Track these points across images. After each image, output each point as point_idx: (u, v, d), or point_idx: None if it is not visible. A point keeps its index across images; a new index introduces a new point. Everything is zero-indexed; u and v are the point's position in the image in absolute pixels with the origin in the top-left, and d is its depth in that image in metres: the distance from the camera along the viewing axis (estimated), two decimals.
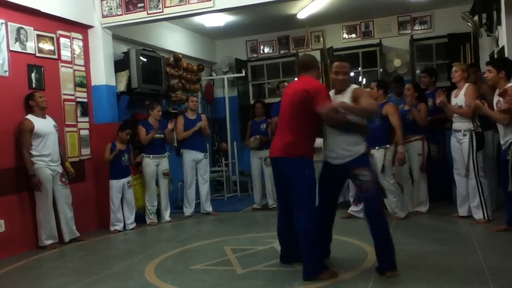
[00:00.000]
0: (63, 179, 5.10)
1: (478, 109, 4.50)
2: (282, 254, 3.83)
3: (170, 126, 6.12)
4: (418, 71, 7.88)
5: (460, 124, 4.89)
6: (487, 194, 4.82)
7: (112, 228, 5.69)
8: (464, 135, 4.84)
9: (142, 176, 6.13)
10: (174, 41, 7.81)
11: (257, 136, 6.48)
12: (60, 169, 5.07)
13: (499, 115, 4.28)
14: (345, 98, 3.45)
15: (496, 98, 4.38)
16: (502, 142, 4.34)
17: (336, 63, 3.53)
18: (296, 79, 4.19)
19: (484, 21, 6.16)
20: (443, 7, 7.72)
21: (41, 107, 4.94)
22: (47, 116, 5.04)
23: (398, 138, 5.23)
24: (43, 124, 4.92)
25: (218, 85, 9.13)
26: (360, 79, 8.84)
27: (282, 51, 8.91)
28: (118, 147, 5.68)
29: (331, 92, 3.66)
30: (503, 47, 5.43)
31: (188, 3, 5.67)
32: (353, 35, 8.49)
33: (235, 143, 8.33)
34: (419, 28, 8.11)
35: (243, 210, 6.81)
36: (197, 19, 7.30)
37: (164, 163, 6.15)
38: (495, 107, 4.38)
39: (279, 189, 3.70)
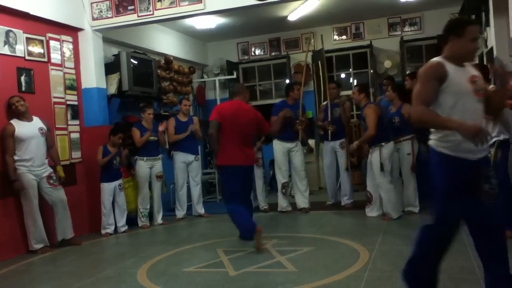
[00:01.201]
0: (51, 181, 4.97)
1: None
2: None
3: (161, 128, 6.10)
4: (408, 72, 7.93)
5: None
6: None
7: (103, 231, 5.65)
8: None
9: (133, 179, 6.11)
10: (165, 43, 7.79)
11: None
12: (46, 173, 4.93)
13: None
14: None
15: None
16: None
17: None
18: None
19: None
20: (432, 9, 7.79)
21: (19, 111, 4.77)
22: (35, 118, 4.95)
23: (363, 137, 5.41)
24: (25, 128, 4.80)
25: (210, 87, 9.13)
26: (351, 80, 8.89)
27: (273, 53, 8.93)
28: (112, 151, 5.66)
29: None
30: (492, 48, 5.49)
31: (179, 5, 5.67)
32: (344, 37, 8.54)
33: None
34: (409, 30, 8.18)
35: None
36: (188, 21, 7.30)
37: (158, 166, 6.13)
38: None
39: (243, 188, 4.69)
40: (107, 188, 5.64)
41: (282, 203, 6.27)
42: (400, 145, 5.50)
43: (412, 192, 5.54)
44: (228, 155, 4.62)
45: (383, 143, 5.29)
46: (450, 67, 2.45)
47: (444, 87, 2.43)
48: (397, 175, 5.59)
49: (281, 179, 6.28)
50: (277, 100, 7.34)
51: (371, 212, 5.55)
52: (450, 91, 2.43)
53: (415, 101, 2.48)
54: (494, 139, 4.24)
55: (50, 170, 5.02)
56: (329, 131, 6.25)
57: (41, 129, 4.94)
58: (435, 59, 2.54)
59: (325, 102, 6.55)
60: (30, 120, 4.90)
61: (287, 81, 8.71)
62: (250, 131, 4.79)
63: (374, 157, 5.33)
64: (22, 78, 5.13)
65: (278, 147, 6.27)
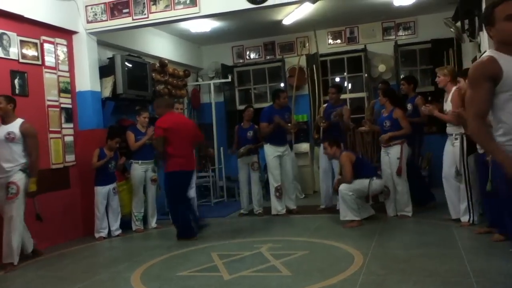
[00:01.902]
0: (8, 193, 4.40)
1: (460, 117, 4.53)
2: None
3: (150, 131, 6.02)
4: (402, 76, 7.97)
5: (451, 128, 4.91)
6: (476, 199, 4.85)
7: (97, 235, 5.62)
8: (456, 138, 4.88)
9: (128, 182, 6.08)
10: (160, 46, 7.79)
11: (244, 148, 6.45)
12: (5, 181, 4.42)
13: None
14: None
15: None
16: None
17: None
18: None
19: (466, 27, 6.27)
20: (426, 13, 7.83)
21: None
22: (17, 122, 4.52)
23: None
24: None
25: (205, 90, 9.12)
26: (345, 84, 8.91)
27: (268, 57, 8.95)
28: (107, 154, 5.63)
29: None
30: (485, 52, 5.51)
31: (174, 9, 5.67)
32: (338, 41, 8.57)
33: (221, 148, 8.31)
34: (403, 34, 8.22)
35: (230, 215, 6.79)
36: (183, 25, 7.30)
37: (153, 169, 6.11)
38: None
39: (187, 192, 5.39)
40: (101, 192, 5.61)
41: (276, 206, 6.28)
42: (390, 149, 5.50)
43: (405, 196, 5.52)
44: (177, 162, 5.13)
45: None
46: (504, 60, 2.07)
47: (499, 87, 2.06)
48: (391, 179, 5.59)
49: (273, 183, 6.30)
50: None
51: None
52: (507, 89, 2.05)
53: (468, 111, 2.15)
54: None
55: (15, 179, 4.44)
56: (321, 128, 6.24)
57: (9, 134, 4.45)
58: (486, 53, 2.19)
59: (325, 104, 6.56)
60: (8, 123, 4.51)
61: (282, 84, 8.73)
62: (192, 139, 5.39)
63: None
64: (16, 81, 5.10)
65: (270, 151, 6.29)
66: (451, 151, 4.95)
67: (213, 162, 8.42)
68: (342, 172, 5.48)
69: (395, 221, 5.46)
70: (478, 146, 4.34)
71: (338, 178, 5.68)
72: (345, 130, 6.32)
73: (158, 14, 5.75)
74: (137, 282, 3.76)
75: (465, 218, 4.89)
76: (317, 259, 4.06)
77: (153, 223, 6.14)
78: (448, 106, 4.89)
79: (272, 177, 6.30)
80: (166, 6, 5.69)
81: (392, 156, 5.50)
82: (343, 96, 8.75)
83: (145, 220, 6.12)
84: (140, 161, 5.98)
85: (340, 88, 6.58)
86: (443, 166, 5.10)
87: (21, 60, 5.19)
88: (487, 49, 5.25)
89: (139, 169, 5.98)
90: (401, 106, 5.58)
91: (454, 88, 4.87)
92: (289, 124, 6.26)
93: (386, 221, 5.45)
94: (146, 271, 4.07)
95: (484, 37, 5.45)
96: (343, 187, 5.34)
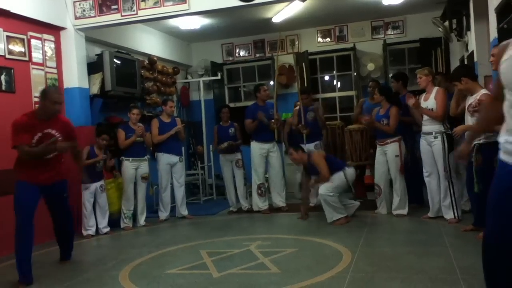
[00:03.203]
0: None
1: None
2: None
3: (139, 129, 5.97)
4: (391, 75, 8.02)
5: (430, 127, 4.98)
6: (458, 195, 4.94)
7: (85, 233, 5.58)
8: (436, 137, 4.94)
9: (116, 180, 6.04)
10: (149, 43, 7.74)
11: (226, 143, 6.47)
12: None
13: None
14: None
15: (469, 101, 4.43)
16: None
17: None
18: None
19: (454, 26, 6.33)
20: (415, 13, 7.89)
21: None
22: None
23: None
24: None
25: (194, 88, 9.09)
26: (334, 82, 8.95)
27: (257, 55, 8.95)
28: (97, 153, 5.59)
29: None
30: (472, 52, 5.59)
31: (163, 6, 5.64)
32: (328, 39, 8.59)
33: (211, 146, 8.28)
34: (392, 33, 8.27)
35: (219, 213, 6.79)
36: (173, 22, 7.27)
37: (144, 167, 6.07)
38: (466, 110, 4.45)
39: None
40: (88, 189, 5.57)
41: (258, 202, 6.34)
42: (387, 147, 5.49)
43: (402, 194, 5.50)
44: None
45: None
46: None
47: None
48: (388, 177, 5.60)
49: (256, 180, 6.35)
50: None
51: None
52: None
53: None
54: (474, 142, 4.24)
55: None
56: (304, 134, 6.30)
57: None
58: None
59: (297, 107, 6.61)
60: None
61: (271, 82, 8.73)
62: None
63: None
64: (2, 77, 5.04)
65: (256, 148, 6.33)
66: (430, 151, 5.02)
67: (202, 160, 8.41)
68: (319, 171, 5.45)
69: (383, 218, 5.50)
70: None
71: (314, 179, 5.62)
72: (322, 126, 6.47)
73: (147, 11, 5.71)
74: (125, 280, 3.74)
75: (449, 215, 4.96)
76: (305, 257, 4.08)
77: (142, 220, 6.11)
78: (430, 104, 4.95)
79: (256, 175, 6.34)
80: (156, 3, 5.65)
81: (390, 155, 5.48)
82: (332, 95, 8.84)
83: (134, 218, 6.09)
84: (131, 158, 5.95)
85: (309, 91, 6.74)
86: (424, 165, 5.15)
87: (7, 56, 5.12)
88: (474, 49, 5.34)
89: (130, 167, 5.94)
90: (397, 104, 5.55)
91: (436, 88, 4.97)
92: (272, 120, 6.30)
93: (374, 219, 5.49)
94: (134, 269, 4.05)
95: (471, 37, 5.51)
96: (322, 190, 5.36)
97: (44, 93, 4.01)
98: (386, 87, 5.89)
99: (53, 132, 3.99)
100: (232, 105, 8.47)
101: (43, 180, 4.01)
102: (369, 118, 5.63)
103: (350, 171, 5.51)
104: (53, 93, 4.00)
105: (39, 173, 3.97)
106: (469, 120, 4.36)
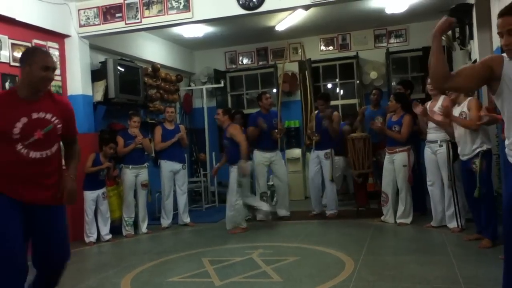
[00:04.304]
0: None
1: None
2: None
3: (136, 135, 6.00)
4: (394, 83, 8.03)
5: (436, 135, 4.96)
6: (462, 204, 4.91)
7: (87, 240, 5.58)
8: (441, 145, 4.92)
9: (118, 187, 6.05)
10: (153, 51, 7.78)
11: None
12: None
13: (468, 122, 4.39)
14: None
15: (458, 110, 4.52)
16: (465, 151, 4.38)
17: None
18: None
19: (457, 35, 6.33)
20: (418, 21, 7.90)
21: None
22: None
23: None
24: None
25: (197, 95, 9.12)
26: (337, 90, 8.96)
27: (260, 63, 8.97)
28: (102, 161, 5.61)
29: None
30: (475, 61, 5.58)
31: (167, 14, 5.67)
32: (331, 47, 8.61)
33: (213, 153, 8.30)
34: (395, 41, 8.29)
35: (221, 221, 6.76)
36: (176, 30, 7.30)
37: (144, 174, 6.08)
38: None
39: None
40: (90, 196, 5.57)
41: (262, 206, 6.26)
42: (396, 156, 5.42)
43: (407, 204, 5.45)
44: None
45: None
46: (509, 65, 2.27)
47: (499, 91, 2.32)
48: (395, 186, 5.53)
49: (259, 189, 6.32)
50: None
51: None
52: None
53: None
54: (478, 150, 4.30)
55: None
56: (313, 141, 6.27)
57: None
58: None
59: (316, 111, 6.56)
60: None
61: (274, 90, 8.75)
62: None
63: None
64: (7, 84, 5.06)
65: (259, 157, 6.29)
66: (434, 159, 5.00)
67: (204, 167, 8.42)
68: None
69: (385, 227, 5.48)
70: (465, 152, 4.39)
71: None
72: (333, 134, 6.26)
73: (151, 19, 5.75)
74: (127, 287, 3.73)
75: (452, 224, 4.93)
76: (308, 265, 4.06)
77: (143, 228, 6.10)
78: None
79: (258, 185, 6.32)
80: (159, 11, 5.69)
81: (397, 164, 5.41)
82: (335, 103, 8.81)
83: (135, 225, 6.09)
84: (130, 166, 5.95)
85: (327, 98, 6.45)
86: (427, 174, 5.13)
87: (12, 63, 5.15)
88: (477, 58, 5.34)
89: (130, 174, 5.95)
90: (412, 113, 5.36)
91: (443, 96, 4.96)
92: (276, 130, 6.28)
93: (376, 227, 5.47)
94: (136, 277, 4.04)
95: (474, 45, 5.51)
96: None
97: (28, 55, 2.70)
98: (402, 95, 5.74)
99: (46, 116, 2.70)
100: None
101: (29, 197, 2.66)
102: (381, 124, 5.57)
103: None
104: (41, 53, 2.71)
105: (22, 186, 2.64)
106: (459, 129, 4.45)
